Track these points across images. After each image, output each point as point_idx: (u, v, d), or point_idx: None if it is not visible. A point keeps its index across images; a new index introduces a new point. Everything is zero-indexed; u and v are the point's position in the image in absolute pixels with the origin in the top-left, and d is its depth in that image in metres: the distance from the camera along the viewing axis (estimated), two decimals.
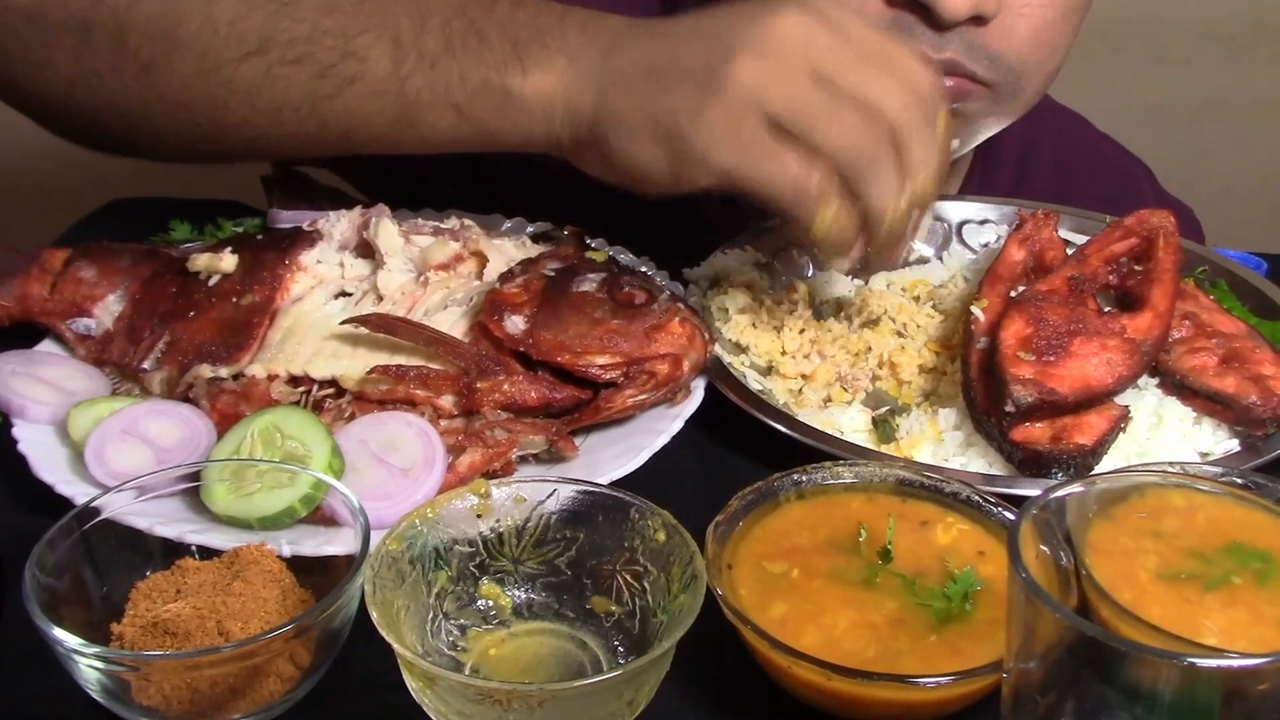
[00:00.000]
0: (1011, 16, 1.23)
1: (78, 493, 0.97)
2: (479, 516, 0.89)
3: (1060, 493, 0.77)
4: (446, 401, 1.07)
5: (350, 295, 1.17)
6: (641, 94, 1.03)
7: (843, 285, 1.32)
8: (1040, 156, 1.56)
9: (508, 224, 1.35)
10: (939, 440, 1.11)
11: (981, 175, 1.55)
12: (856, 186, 1.01)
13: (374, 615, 0.79)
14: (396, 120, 1.11)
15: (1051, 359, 1.06)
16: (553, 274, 1.14)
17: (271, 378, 1.09)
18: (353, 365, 1.08)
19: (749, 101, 0.99)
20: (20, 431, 1.05)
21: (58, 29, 1.17)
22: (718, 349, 1.16)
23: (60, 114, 1.23)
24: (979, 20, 1.21)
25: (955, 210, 1.40)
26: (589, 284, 1.13)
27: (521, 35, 1.07)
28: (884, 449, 1.10)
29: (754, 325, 1.20)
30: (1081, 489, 0.78)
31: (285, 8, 1.11)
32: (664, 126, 1.02)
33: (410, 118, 1.11)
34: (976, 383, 1.09)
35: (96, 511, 0.88)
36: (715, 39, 1.02)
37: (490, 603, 0.89)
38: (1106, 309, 1.15)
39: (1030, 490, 0.98)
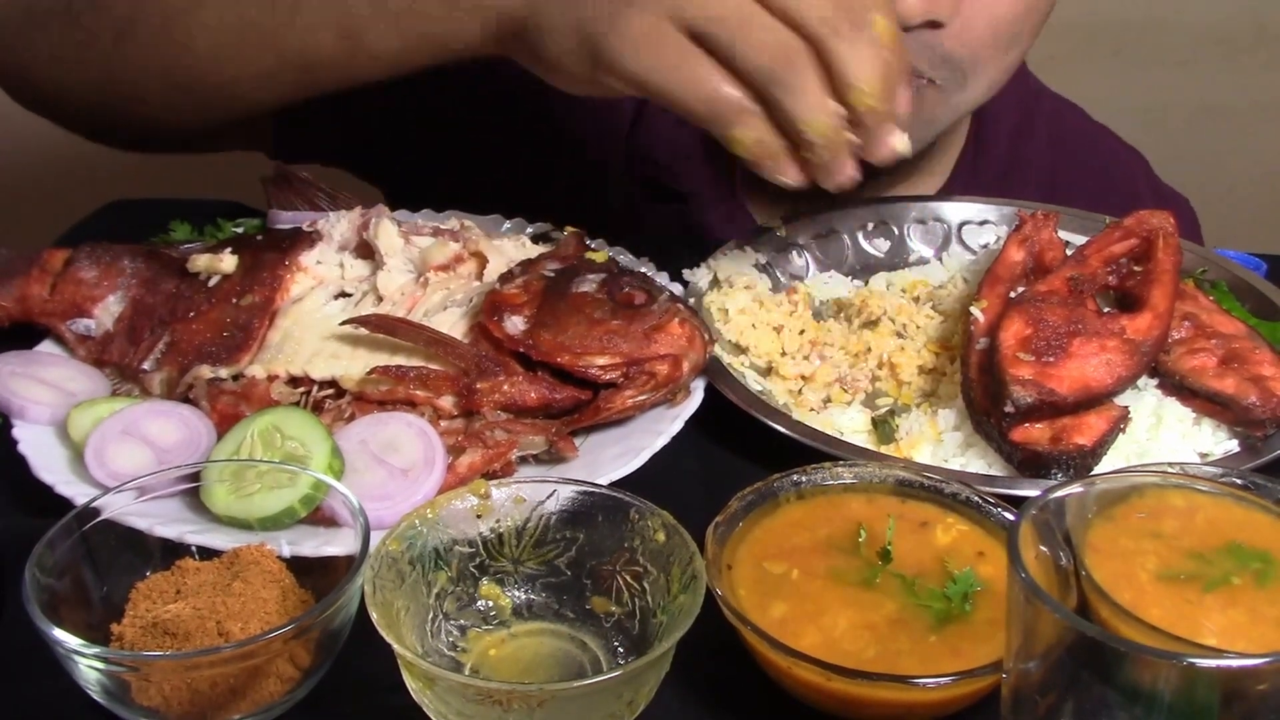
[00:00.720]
0: (969, 14, 1.25)
1: (78, 493, 0.97)
2: (479, 517, 0.89)
3: (1060, 493, 0.77)
4: (446, 402, 1.07)
5: (350, 296, 1.17)
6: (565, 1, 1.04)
7: (843, 286, 1.32)
8: (1033, 142, 1.57)
9: (507, 224, 1.35)
10: (938, 441, 1.11)
11: (974, 158, 1.55)
12: (775, 100, 0.98)
13: (374, 616, 0.79)
14: (344, 40, 1.16)
15: (1051, 360, 1.06)
16: (552, 275, 1.14)
17: (271, 378, 1.09)
18: (353, 366, 1.08)
19: (666, 9, 0.98)
20: (20, 432, 1.05)
21: (45, 14, 1.25)
22: (717, 350, 1.16)
23: (54, 99, 1.30)
24: (933, 24, 1.23)
25: (955, 211, 1.40)
26: (589, 285, 1.13)
27: None
28: (884, 450, 1.10)
29: (754, 326, 1.21)
30: (1081, 490, 0.78)
31: None
32: (585, 32, 1.02)
33: (356, 36, 1.15)
34: (976, 383, 1.09)
35: (96, 512, 0.88)
36: None
37: (490, 603, 0.89)
38: (1106, 310, 1.15)
39: (1030, 491, 0.99)
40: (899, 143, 1.03)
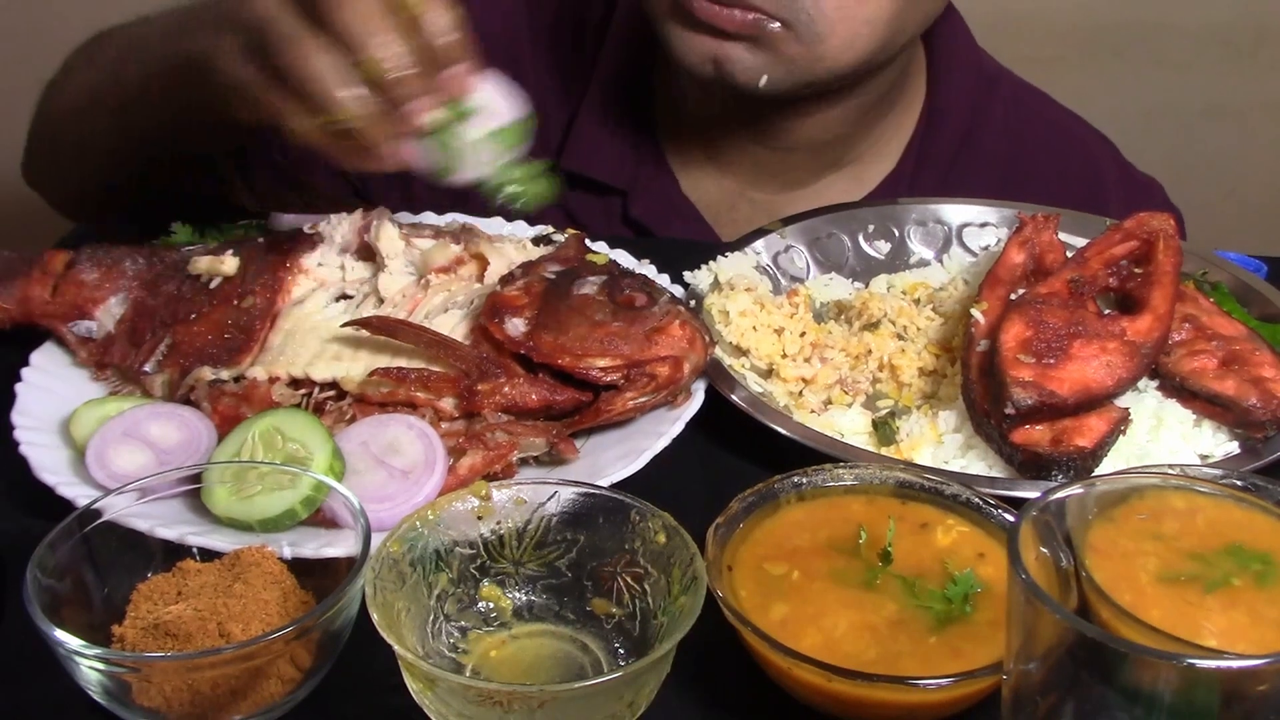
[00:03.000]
0: None
1: (79, 495, 0.97)
2: (480, 519, 0.89)
3: (1060, 495, 0.77)
4: (447, 404, 1.07)
5: (351, 298, 1.17)
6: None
7: (843, 288, 1.32)
8: (988, 128, 1.57)
9: (508, 227, 1.35)
10: (939, 442, 1.11)
11: (923, 144, 1.56)
12: (294, 87, 1.01)
13: (375, 617, 0.79)
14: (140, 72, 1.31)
15: (1051, 361, 1.06)
16: (553, 277, 1.15)
17: (272, 380, 1.09)
18: (354, 368, 1.08)
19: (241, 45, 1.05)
20: (22, 434, 1.05)
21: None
22: (718, 351, 1.16)
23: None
24: None
25: (955, 213, 1.40)
26: (589, 287, 1.13)
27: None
28: (884, 451, 1.10)
29: (754, 328, 1.21)
30: (1081, 491, 0.78)
31: (96, 68, 1.42)
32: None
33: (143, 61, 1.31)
34: (976, 385, 1.09)
35: (98, 513, 0.88)
36: None
37: (491, 604, 0.89)
38: (1106, 312, 1.15)
39: (1030, 492, 0.99)
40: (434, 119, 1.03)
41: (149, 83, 1.30)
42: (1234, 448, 1.09)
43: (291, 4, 1.01)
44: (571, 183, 1.54)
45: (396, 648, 0.77)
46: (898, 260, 1.38)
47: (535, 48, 1.55)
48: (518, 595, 0.90)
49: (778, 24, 1.31)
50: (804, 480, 0.95)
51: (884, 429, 1.13)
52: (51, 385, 1.13)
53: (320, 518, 0.95)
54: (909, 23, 1.40)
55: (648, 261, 1.30)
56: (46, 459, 1.03)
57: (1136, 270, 1.17)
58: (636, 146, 1.54)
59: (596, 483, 0.95)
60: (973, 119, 1.57)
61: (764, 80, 1.35)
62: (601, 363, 1.08)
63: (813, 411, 1.16)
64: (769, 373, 1.20)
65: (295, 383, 1.09)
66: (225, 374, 1.10)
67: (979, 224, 1.39)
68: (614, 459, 1.05)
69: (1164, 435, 1.08)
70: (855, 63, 1.37)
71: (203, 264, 1.18)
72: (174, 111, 1.29)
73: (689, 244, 1.44)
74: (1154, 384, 1.12)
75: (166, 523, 0.92)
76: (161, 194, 1.48)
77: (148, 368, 1.13)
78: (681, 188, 1.55)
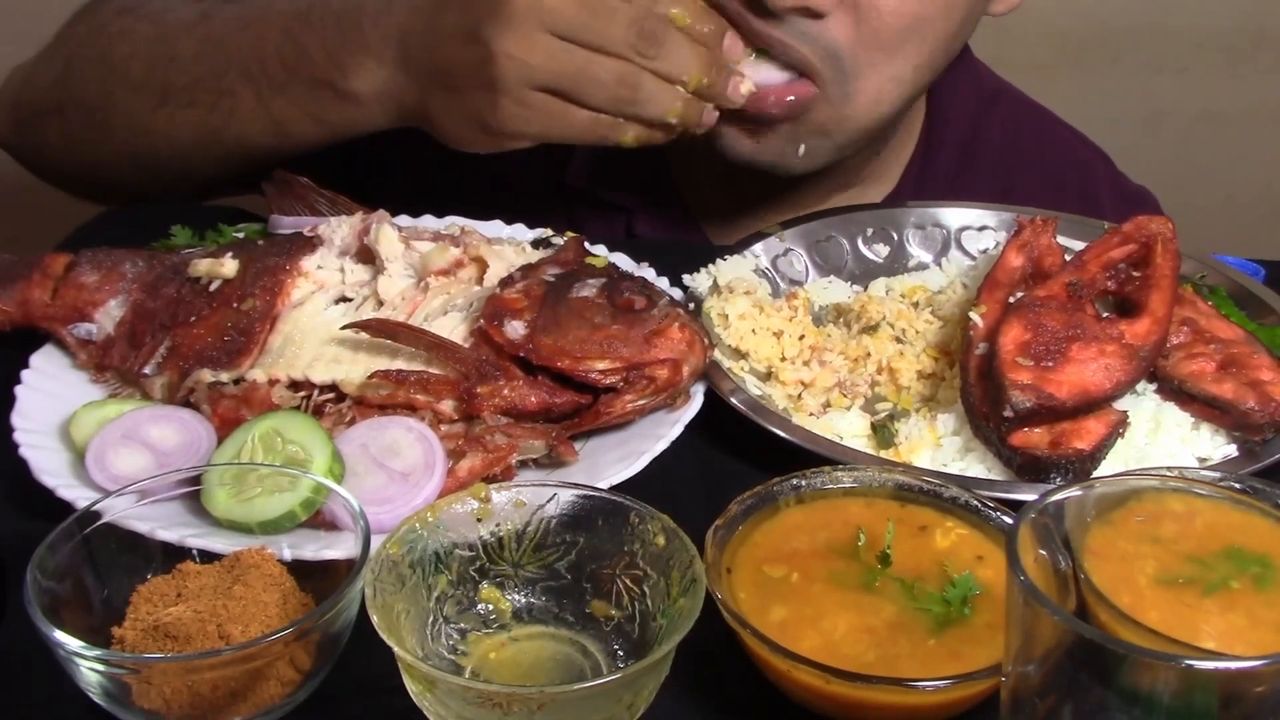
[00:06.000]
0: (853, 8, 1.28)
1: (79, 496, 0.97)
2: (479, 521, 0.89)
3: (1059, 497, 0.77)
4: (447, 406, 1.07)
5: (351, 300, 1.17)
6: (446, 98, 1.26)
7: (842, 291, 1.32)
8: (987, 146, 1.58)
9: (507, 230, 1.36)
10: (938, 445, 1.11)
11: (923, 164, 1.56)
12: (635, 114, 1.23)
13: (374, 619, 0.79)
14: (273, 135, 1.37)
15: (1050, 364, 1.07)
16: (553, 279, 1.15)
17: (272, 382, 1.09)
18: (353, 370, 1.09)
19: (521, 83, 1.21)
20: (22, 436, 1.05)
21: (44, 114, 1.51)
22: (717, 354, 1.16)
23: (61, 178, 1.60)
24: (812, 14, 1.28)
25: (954, 216, 1.40)
26: (589, 289, 1.13)
27: (331, 43, 1.31)
28: (883, 454, 1.11)
29: (753, 331, 1.21)
30: (1080, 493, 0.78)
31: (171, 63, 1.40)
32: (474, 119, 1.25)
33: (281, 132, 1.37)
34: (975, 388, 1.09)
35: (98, 515, 0.88)
36: (465, 23, 1.22)
37: (490, 606, 0.89)
38: (1105, 315, 1.16)
39: (1029, 495, 0.99)
40: (744, 85, 1.28)
41: (281, 106, 1.34)
42: (1232, 450, 1.09)
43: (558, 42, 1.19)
44: (576, 200, 1.54)
45: (396, 649, 0.77)
46: (897, 263, 1.38)
47: None
48: (517, 597, 0.90)
49: (810, 85, 1.31)
50: (803, 483, 0.95)
51: (883, 432, 1.13)
52: (51, 388, 1.13)
53: (320, 520, 0.95)
54: (934, 70, 1.40)
55: (646, 264, 1.30)
56: (46, 461, 1.03)
57: (1135, 273, 1.18)
58: (642, 166, 1.53)
59: (596, 485, 0.95)
60: (971, 137, 1.58)
61: (802, 150, 1.38)
62: (601, 365, 1.08)
63: (811, 414, 1.17)
64: (768, 375, 1.20)
65: (295, 385, 1.09)
66: (225, 376, 1.10)
67: (977, 227, 1.39)
68: (613, 461, 1.05)
69: (1162, 438, 1.08)
70: (880, 120, 1.38)
71: (202, 266, 1.18)
72: (307, 135, 1.36)
73: (688, 247, 1.44)
74: (1152, 387, 1.12)
75: (166, 525, 0.92)
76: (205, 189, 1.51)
77: (147, 370, 1.13)
78: (688, 208, 1.55)
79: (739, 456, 1.11)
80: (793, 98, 1.31)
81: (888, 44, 1.31)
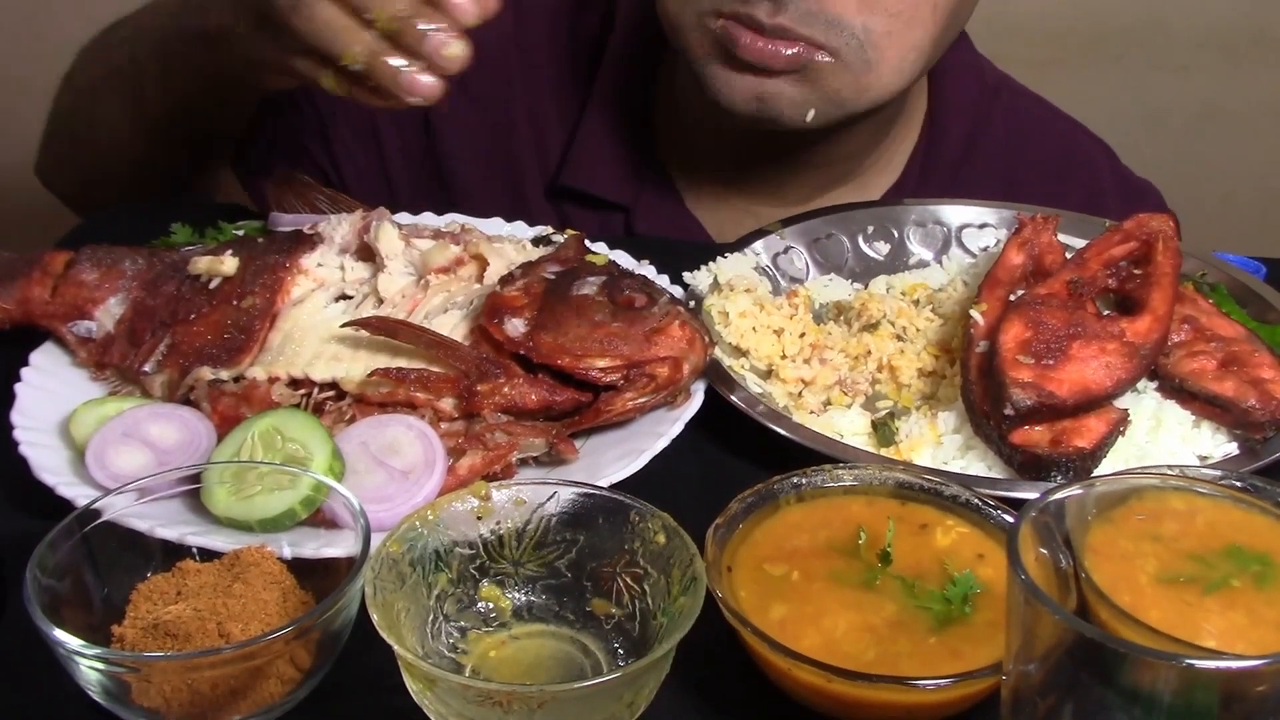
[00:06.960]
0: None
1: (79, 495, 0.97)
2: (479, 519, 0.89)
3: (1059, 495, 0.77)
4: (447, 404, 1.07)
5: (351, 298, 1.17)
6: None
7: (843, 289, 1.32)
8: (989, 138, 1.58)
9: (508, 227, 1.36)
10: (938, 443, 1.11)
11: (925, 156, 1.56)
12: (313, 46, 1.11)
13: (375, 617, 0.79)
14: (174, 95, 1.42)
15: (1051, 362, 1.07)
16: (553, 277, 1.15)
17: (272, 380, 1.09)
18: (353, 368, 1.08)
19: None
20: (22, 434, 1.05)
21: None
22: (718, 352, 1.16)
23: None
24: None
25: (954, 214, 1.40)
26: (589, 287, 1.13)
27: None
28: (883, 452, 1.11)
29: (754, 329, 1.21)
30: (1081, 492, 0.78)
31: (113, 59, 1.49)
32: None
33: (174, 88, 1.42)
34: (976, 386, 1.09)
35: (97, 513, 0.88)
36: None
37: (490, 605, 0.89)
38: (1105, 313, 1.15)
39: (1029, 493, 0.99)
40: (453, 47, 1.09)
41: (168, 61, 1.38)
42: (1233, 449, 1.09)
43: None
44: (572, 198, 1.54)
45: (396, 648, 0.77)
46: (897, 261, 1.38)
47: (526, 67, 1.55)
48: (517, 595, 0.90)
49: (826, 55, 1.30)
50: (803, 481, 0.95)
51: (883, 430, 1.13)
52: (51, 385, 1.13)
53: (320, 518, 0.95)
54: (946, 42, 1.40)
55: (647, 262, 1.30)
56: (46, 459, 1.03)
57: (1136, 271, 1.18)
58: (639, 163, 1.53)
59: (596, 483, 0.95)
60: (974, 129, 1.57)
61: (811, 115, 1.34)
62: (601, 363, 1.08)
63: (812, 412, 1.17)
64: (768, 373, 1.20)
65: (295, 383, 1.09)
66: (225, 374, 1.10)
67: (978, 225, 1.39)
68: (613, 459, 1.05)
69: (1163, 436, 1.08)
70: (900, 89, 1.37)
71: (202, 264, 1.18)
72: (190, 88, 1.39)
73: (688, 245, 1.44)
74: (1153, 385, 1.12)
75: (166, 523, 0.92)
76: (169, 178, 1.54)
77: (147, 368, 1.13)
78: (686, 204, 1.55)
79: (739, 454, 1.11)
80: (797, 50, 1.29)
81: (901, 13, 1.30)
